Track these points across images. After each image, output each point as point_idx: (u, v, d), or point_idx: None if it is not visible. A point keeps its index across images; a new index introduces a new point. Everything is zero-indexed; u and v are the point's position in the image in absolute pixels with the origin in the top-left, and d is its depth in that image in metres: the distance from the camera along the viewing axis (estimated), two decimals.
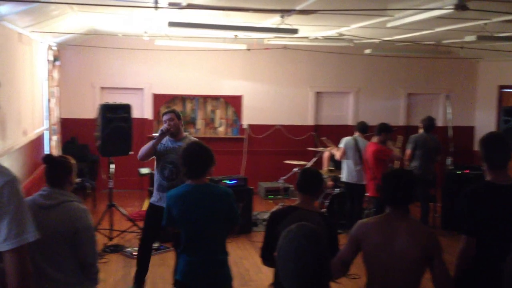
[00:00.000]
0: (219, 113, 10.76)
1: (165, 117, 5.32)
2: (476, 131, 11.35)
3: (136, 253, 6.43)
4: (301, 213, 3.25)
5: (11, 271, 2.05)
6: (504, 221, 3.17)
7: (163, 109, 10.38)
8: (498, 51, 9.09)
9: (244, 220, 7.61)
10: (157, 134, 5.35)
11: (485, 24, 6.16)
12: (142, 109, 10.19)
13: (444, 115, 11.02)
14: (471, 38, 6.45)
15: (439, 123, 11.06)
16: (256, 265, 6.28)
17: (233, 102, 10.66)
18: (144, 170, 8.20)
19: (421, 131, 7.90)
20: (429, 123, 7.85)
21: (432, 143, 7.76)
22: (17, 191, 2.06)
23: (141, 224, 7.42)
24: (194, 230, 3.59)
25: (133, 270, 6.10)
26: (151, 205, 5.46)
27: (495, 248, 3.16)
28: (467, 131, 11.28)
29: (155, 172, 5.47)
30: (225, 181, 7.72)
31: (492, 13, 5.31)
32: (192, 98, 10.56)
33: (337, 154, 7.84)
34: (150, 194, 7.36)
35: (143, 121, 10.08)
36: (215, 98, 10.65)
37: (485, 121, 11.01)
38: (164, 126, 5.27)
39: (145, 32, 8.00)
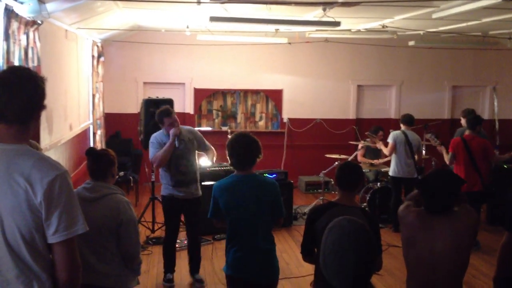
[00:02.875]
0: (259, 107, 10.77)
1: (169, 120, 5.31)
2: None
3: (177, 245, 6.53)
4: (340, 209, 3.21)
5: (61, 263, 2.09)
6: None
7: (204, 104, 10.49)
8: None
9: (285, 213, 7.59)
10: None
11: None
12: (184, 104, 10.30)
13: (490, 107, 10.70)
14: None
15: (485, 116, 10.75)
16: (297, 259, 6.28)
17: (274, 96, 10.65)
18: None
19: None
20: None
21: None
22: (67, 184, 2.11)
23: (182, 216, 7.53)
24: (241, 221, 3.61)
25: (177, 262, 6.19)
26: (169, 197, 5.49)
27: None
28: None
29: (165, 170, 5.45)
30: (265, 175, 7.71)
31: None
32: (232, 92, 10.60)
33: (386, 150, 7.71)
34: None
35: (184, 115, 10.18)
36: (256, 92, 10.66)
37: None
38: (174, 130, 5.27)
39: (187, 27, 8.06)
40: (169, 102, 7.14)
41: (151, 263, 6.15)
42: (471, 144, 6.66)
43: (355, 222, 2.01)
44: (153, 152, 5.35)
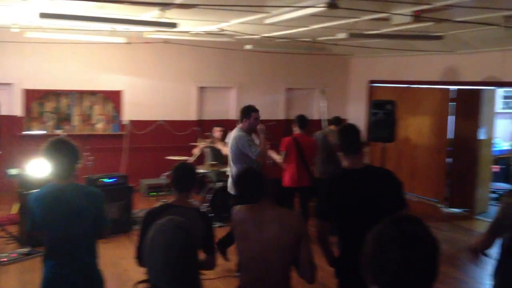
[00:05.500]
0: (97, 109, 10.33)
1: (256, 115, 5.94)
2: None
3: (5, 259, 6.11)
4: (176, 210, 3.20)
5: None
6: (360, 203, 3.35)
7: (35, 106, 9.76)
8: (368, 47, 9.69)
9: (124, 218, 7.42)
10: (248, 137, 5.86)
11: (355, 22, 6.51)
12: (11, 106, 9.46)
13: (319, 108, 11.53)
14: (342, 35, 6.79)
15: (315, 116, 11.57)
16: (136, 265, 6.12)
17: (112, 98, 10.29)
18: (13, 171, 7.61)
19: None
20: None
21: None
22: None
23: (10, 228, 6.94)
24: (58, 233, 3.33)
25: (2, 277, 5.75)
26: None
27: (356, 232, 3.30)
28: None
29: (239, 167, 5.70)
30: (103, 179, 7.43)
31: (361, 12, 5.62)
32: (67, 93, 10.02)
33: (225, 150, 7.89)
34: (20, 196, 6.92)
35: (12, 118, 9.39)
36: (93, 93, 10.20)
37: (356, 114, 11.68)
38: (262, 125, 5.95)
39: (14, 24, 7.43)
40: None
41: None
42: (301, 142, 7.16)
43: (173, 220, 2.02)
44: (256, 147, 5.74)
